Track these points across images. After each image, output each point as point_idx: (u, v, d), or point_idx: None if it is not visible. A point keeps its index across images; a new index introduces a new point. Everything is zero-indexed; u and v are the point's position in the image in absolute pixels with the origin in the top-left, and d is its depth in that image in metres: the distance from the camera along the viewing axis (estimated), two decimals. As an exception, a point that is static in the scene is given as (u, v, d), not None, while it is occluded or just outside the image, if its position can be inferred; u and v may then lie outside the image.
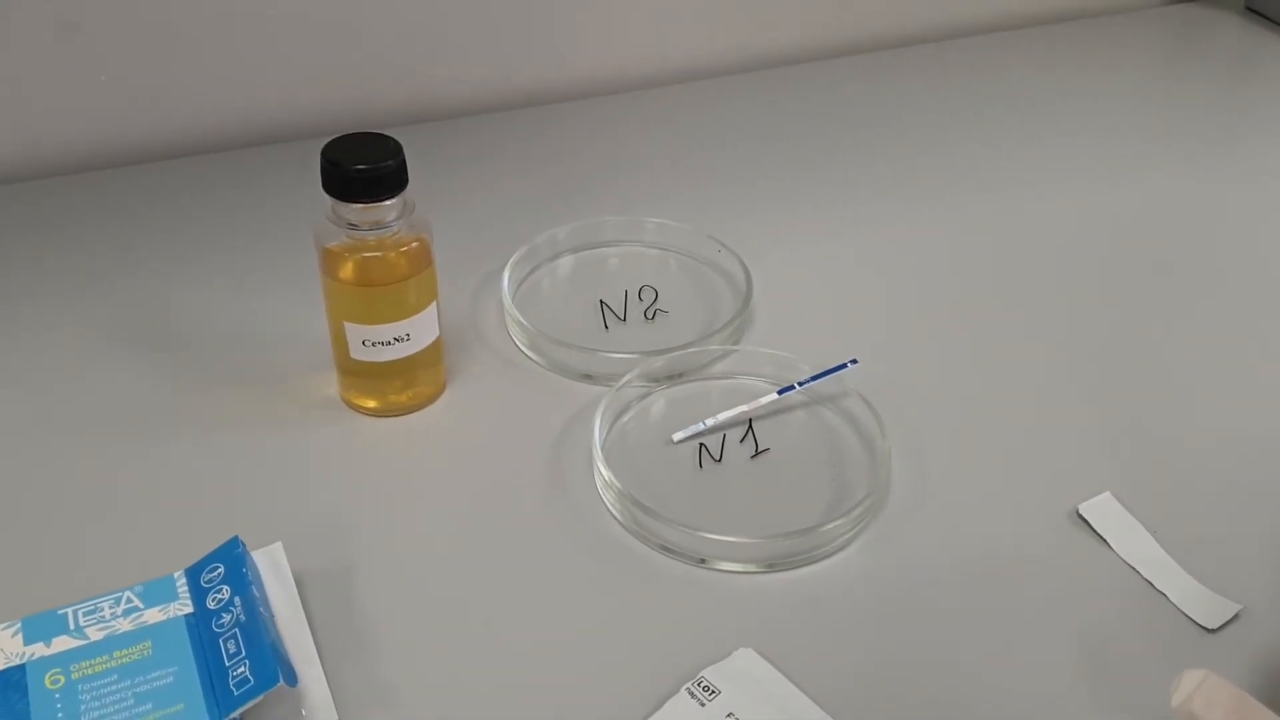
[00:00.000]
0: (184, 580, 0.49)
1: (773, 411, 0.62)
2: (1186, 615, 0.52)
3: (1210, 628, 0.51)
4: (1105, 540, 0.55)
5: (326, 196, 0.55)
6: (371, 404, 0.61)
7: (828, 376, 0.62)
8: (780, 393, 0.62)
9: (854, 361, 0.63)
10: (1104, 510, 0.56)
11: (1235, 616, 0.51)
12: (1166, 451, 0.61)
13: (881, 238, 0.76)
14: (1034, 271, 0.73)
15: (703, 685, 0.47)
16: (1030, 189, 0.81)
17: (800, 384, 0.62)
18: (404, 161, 0.55)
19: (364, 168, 0.54)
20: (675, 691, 0.47)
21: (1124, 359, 0.67)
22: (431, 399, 0.62)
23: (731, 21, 0.93)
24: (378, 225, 0.56)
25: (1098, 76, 0.96)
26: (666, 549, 0.54)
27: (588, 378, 0.63)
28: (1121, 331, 0.69)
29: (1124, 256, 0.75)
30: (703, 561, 0.54)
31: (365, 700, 0.47)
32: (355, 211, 0.55)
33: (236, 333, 0.65)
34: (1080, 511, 0.56)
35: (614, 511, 0.56)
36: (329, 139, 0.55)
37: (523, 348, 0.65)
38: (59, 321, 0.66)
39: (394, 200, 0.55)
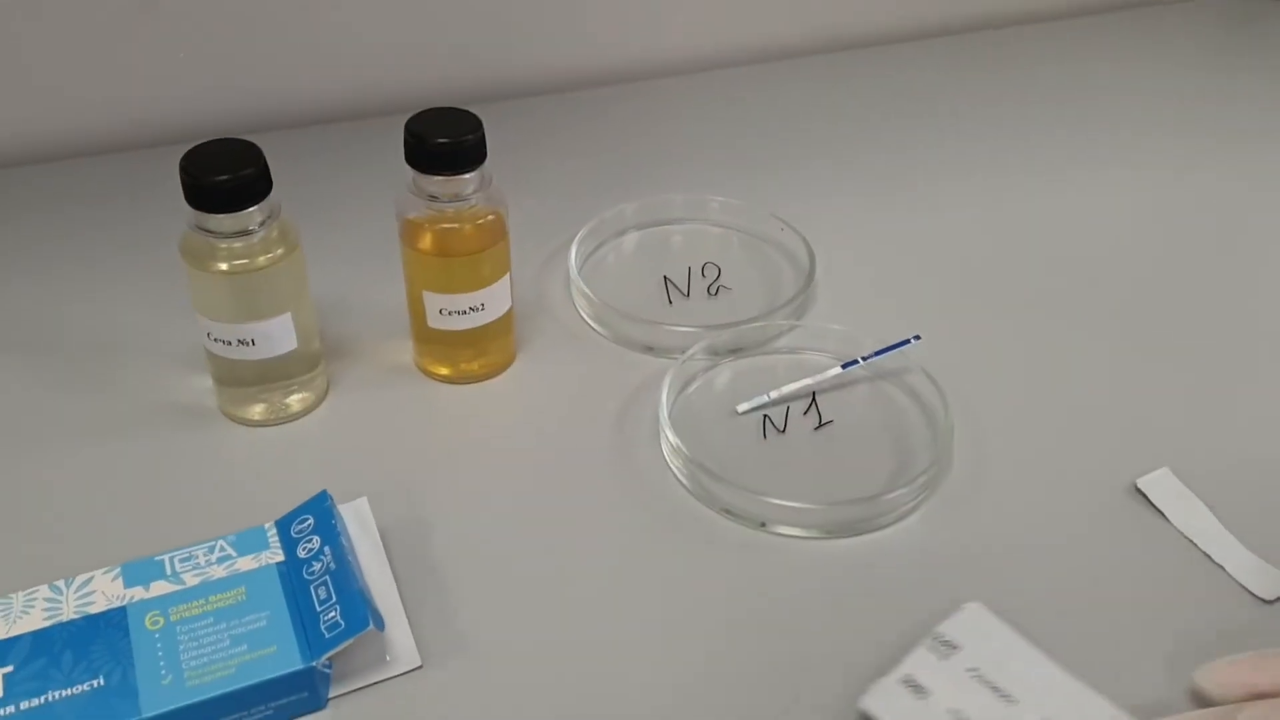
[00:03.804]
0: (274, 531, 0.51)
1: (836, 385, 0.63)
2: (1244, 587, 0.53)
3: (1267, 599, 0.52)
4: (1163, 514, 0.56)
5: (408, 169, 0.57)
6: (445, 371, 0.63)
7: (891, 352, 0.63)
8: (844, 367, 0.63)
9: (917, 338, 0.64)
10: (1162, 484, 0.57)
11: (1292, 588, 0.52)
12: (1224, 427, 0.61)
13: (943, 217, 0.77)
14: (1093, 251, 0.74)
15: (943, 640, 0.48)
16: (1088, 173, 0.82)
17: (864, 359, 0.63)
18: (484, 136, 0.57)
19: (445, 141, 0.56)
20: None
21: (1181, 337, 0.67)
22: (502, 368, 0.64)
23: (798, 4, 0.94)
24: (457, 198, 0.58)
25: (1149, 66, 0.96)
26: (730, 513, 0.56)
27: (651, 350, 0.65)
28: (1178, 310, 0.69)
29: (1182, 238, 0.76)
30: (763, 525, 0.55)
31: (444, 647, 0.49)
32: (436, 184, 0.57)
33: (318, 298, 0.67)
34: (1138, 485, 0.57)
35: (680, 477, 0.57)
36: (411, 114, 0.57)
37: (589, 320, 0.67)
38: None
39: (473, 174, 0.57)
